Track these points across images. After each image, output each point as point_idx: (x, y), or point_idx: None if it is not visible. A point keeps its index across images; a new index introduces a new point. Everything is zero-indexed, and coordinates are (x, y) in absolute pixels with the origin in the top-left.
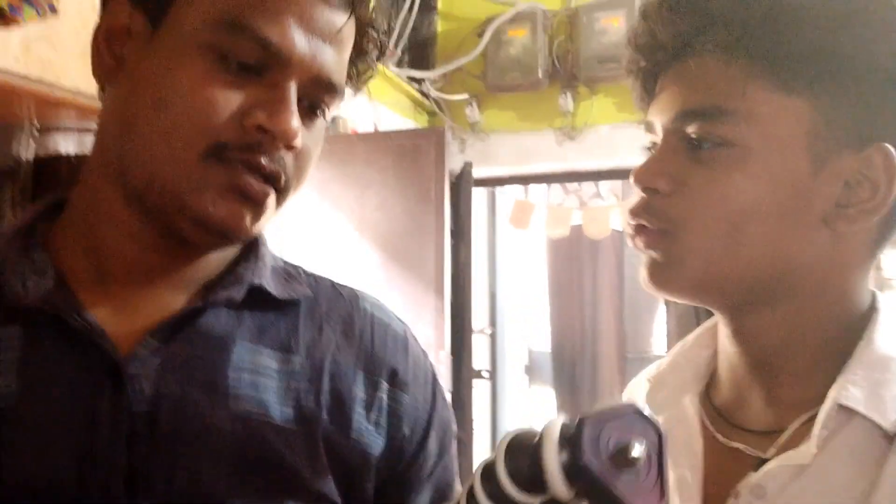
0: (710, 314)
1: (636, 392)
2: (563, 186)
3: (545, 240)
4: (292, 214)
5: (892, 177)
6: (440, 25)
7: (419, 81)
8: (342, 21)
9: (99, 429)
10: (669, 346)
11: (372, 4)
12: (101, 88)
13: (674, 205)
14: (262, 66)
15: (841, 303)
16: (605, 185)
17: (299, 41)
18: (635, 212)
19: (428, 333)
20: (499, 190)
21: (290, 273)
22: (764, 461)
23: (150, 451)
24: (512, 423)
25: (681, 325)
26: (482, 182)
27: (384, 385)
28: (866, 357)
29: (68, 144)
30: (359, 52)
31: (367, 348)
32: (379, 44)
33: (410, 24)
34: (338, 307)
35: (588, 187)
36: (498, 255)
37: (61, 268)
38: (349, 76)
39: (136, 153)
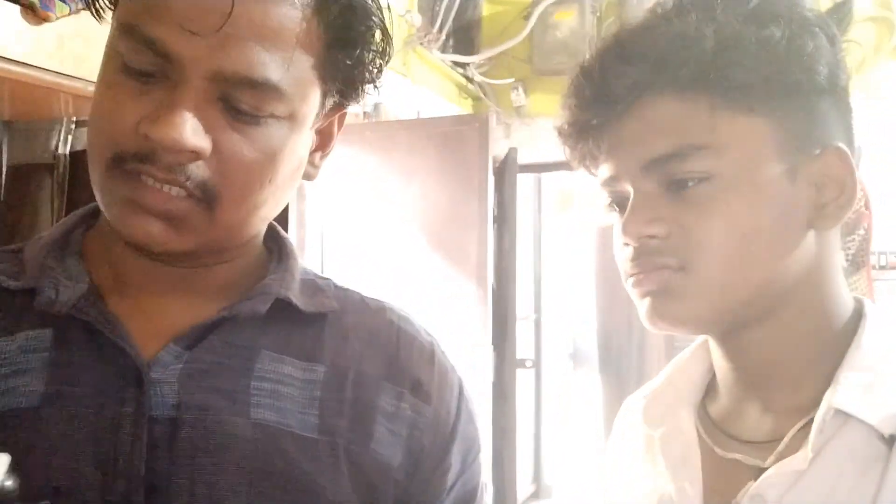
0: None
1: (632, 408)
2: None
3: (592, 226)
4: (333, 203)
5: (851, 171)
6: (485, 9)
7: (464, 66)
8: (263, 10)
9: (121, 434)
10: None
11: None
12: None
13: (678, 245)
14: (160, 72)
15: (830, 308)
16: None
17: (192, 40)
18: (641, 263)
19: (470, 319)
20: (545, 175)
21: (318, 286)
22: (763, 470)
23: (170, 459)
24: (556, 412)
25: None
26: (528, 168)
27: (407, 396)
28: (857, 361)
29: None
30: (340, 39)
31: (391, 359)
32: (366, 42)
33: (455, 9)
34: (364, 319)
35: None
36: (544, 241)
37: (93, 275)
38: (345, 68)
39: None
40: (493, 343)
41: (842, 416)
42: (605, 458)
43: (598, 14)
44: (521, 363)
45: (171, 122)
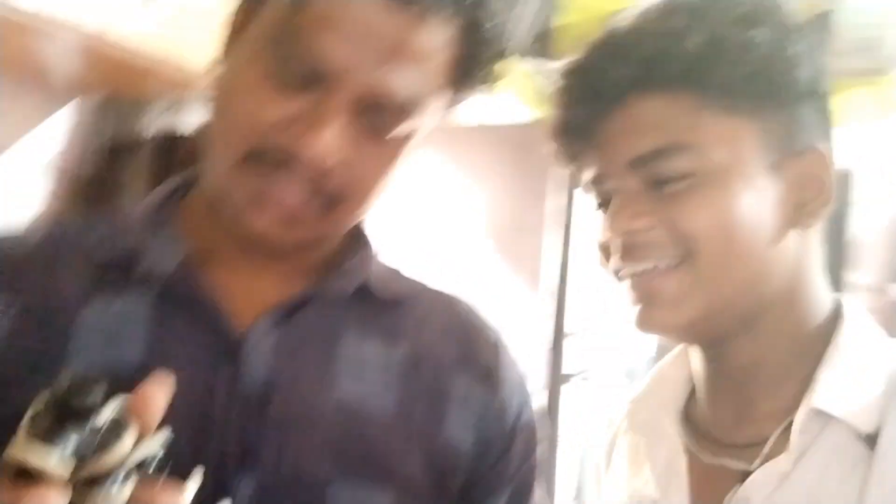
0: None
1: (617, 418)
2: None
3: None
4: (405, 202)
5: (830, 172)
6: (566, 16)
7: (543, 72)
8: (418, 33)
9: (215, 402)
10: None
11: (485, 5)
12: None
13: (664, 242)
14: (314, 80)
15: (810, 308)
16: None
17: (349, 55)
18: (630, 258)
19: (525, 330)
20: None
21: (391, 275)
22: (749, 473)
23: (259, 430)
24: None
25: None
26: None
27: (478, 385)
28: (837, 362)
29: (189, 121)
30: (473, 61)
31: (463, 349)
32: (497, 37)
33: (538, 16)
34: (436, 309)
35: None
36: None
37: (188, 246)
38: (472, 79)
39: (205, 151)
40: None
41: (823, 416)
42: (586, 466)
43: None
44: (568, 377)
45: (322, 136)
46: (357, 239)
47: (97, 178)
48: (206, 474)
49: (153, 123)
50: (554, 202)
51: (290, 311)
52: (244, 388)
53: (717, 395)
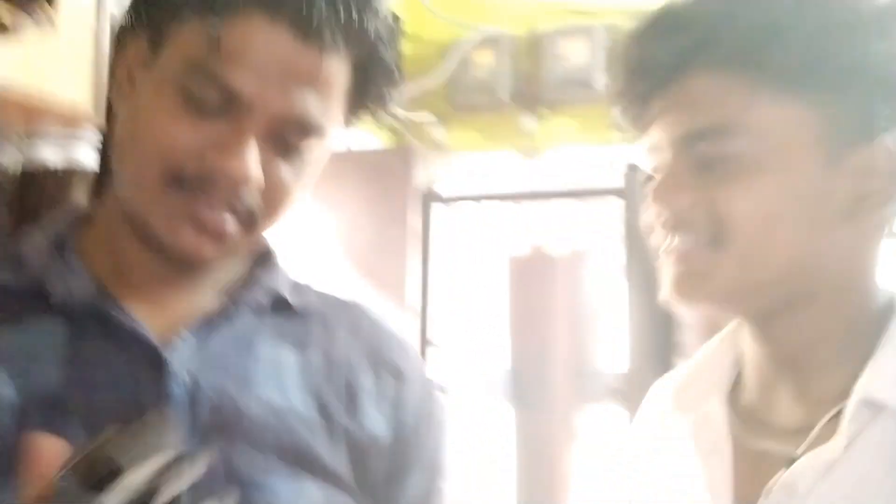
0: (669, 328)
1: (661, 394)
2: (524, 206)
3: (506, 258)
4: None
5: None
6: (406, 47)
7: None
8: (318, 64)
9: (140, 414)
10: (632, 362)
11: (373, 37)
12: (110, 108)
13: (702, 216)
14: (226, 109)
15: (863, 297)
16: (564, 205)
17: (263, 86)
18: (671, 230)
19: None
20: (461, 208)
21: (300, 286)
22: (794, 459)
23: (189, 437)
24: (469, 438)
25: (641, 341)
26: (446, 200)
27: (390, 380)
28: (890, 351)
29: (55, 154)
30: (366, 87)
31: (373, 348)
32: (386, 67)
33: None
34: (344, 314)
35: (548, 207)
36: (458, 273)
37: (96, 273)
38: (363, 107)
39: (122, 180)
40: None
41: (875, 405)
42: (627, 447)
43: (513, 56)
44: (441, 389)
45: (239, 157)
46: (264, 253)
47: None
48: None
49: (14, 158)
50: (413, 222)
51: (208, 322)
52: (171, 401)
53: (767, 377)
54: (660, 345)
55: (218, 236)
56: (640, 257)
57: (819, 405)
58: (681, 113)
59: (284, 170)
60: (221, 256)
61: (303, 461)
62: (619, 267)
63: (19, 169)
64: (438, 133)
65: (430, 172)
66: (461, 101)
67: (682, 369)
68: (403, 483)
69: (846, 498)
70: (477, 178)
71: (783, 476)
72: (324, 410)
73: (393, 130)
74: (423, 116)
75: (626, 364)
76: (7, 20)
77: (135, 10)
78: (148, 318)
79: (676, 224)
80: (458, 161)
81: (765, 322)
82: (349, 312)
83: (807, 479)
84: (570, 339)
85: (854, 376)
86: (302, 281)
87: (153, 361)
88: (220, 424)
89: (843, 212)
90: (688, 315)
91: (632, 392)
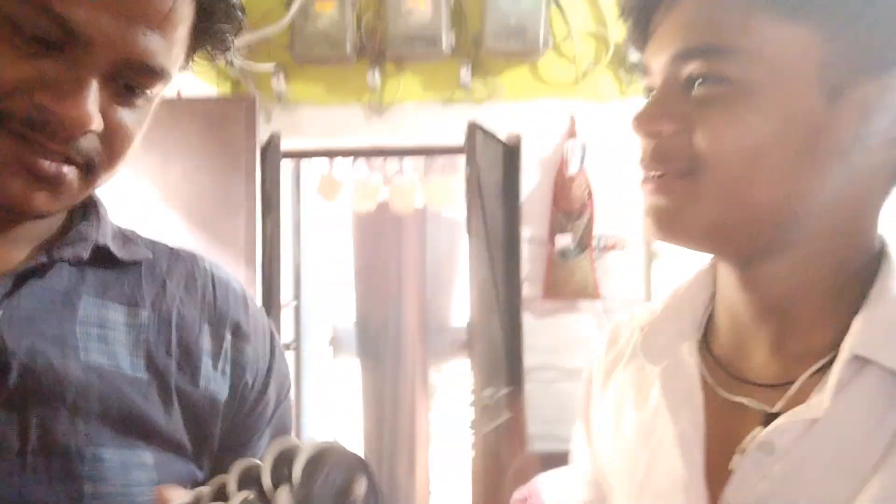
0: (510, 285)
1: (619, 343)
2: (369, 162)
3: (351, 215)
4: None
5: None
6: None
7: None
8: (166, 3)
9: None
10: (471, 316)
11: None
12: None
13: (682, 146)
14: (62, 44)
15: (854, 245)
16: (409, 162)
17: (104, 24)
18: (648, 161)
19: None
20: (305, 163)
21: (127, 236)
22: (771, 416)
23: (1, 404)
24: (317, 394)
25: (482, 296)
26: (289, 154)
27: (228, 337)
28: (881, 303)
29: None
30: (208, 28)
31: (210, 303)
32: (231, 11)
33: None
34: (178, 266)
35: (393, 164)
36: (303, 228)
37: None
38: (201, 48)
39: None
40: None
41: (859, 361)
42: (587, 392)
43: (357, 9)
44: (287, 346)
45: (77, 100)
46: (86, 201)
47: None
48: None
49: None
50: (255, 175)
51: (19, 279)
52: None
53: (744, 326)
54: (503, 299)
55: (55, 186)
56: (483, 214)
57: (799, 360)
58: (673, 31)
59: (125, 115)
60: (56, 210)
61: (134, 427)
62: (461, 222)
63: None
64: (280, 84)
65: (273, 125)
66: (304, 52)
67: (648, 311)
68: (250, 446)
69: (828, 459)
70: (320, 132)
71: (760, 434)
72: (156, 371)
73: (232, 79)
74: (264, 66)
75: (468, 318)
76: None
77: None
78: None
79: (656, 154)
80: (302, 114)
81: (747, 265)
82: (184, 264)
83: (785, 438)
84: (414, 295)
85: (838, 330)
86: (130, 230)
87: None
88: (35, 390)
89: (838, 151)
90: (530, 270)
91: (474, 345)
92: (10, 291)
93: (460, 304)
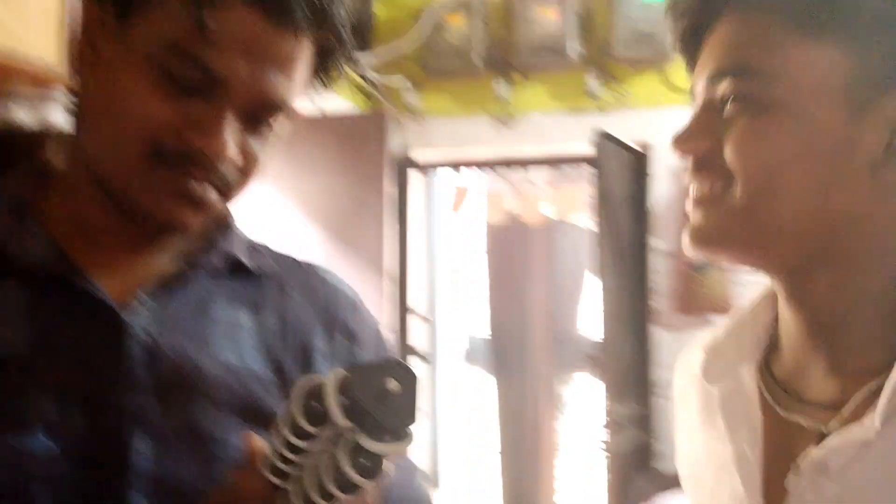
0: (642, 296)
1: (691, 363)
2: (498, 172)
3: (483, 225)
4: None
5: None
6: (379, 10)
7: (356, 64)
8: (292, 48)
9: (104, 375)
10: (605, 329)
11: (335, 21)
12: (75, 72)
13: (717, 163)
14: (205, 88)
15: None
16: (538, 173)
17: (240, 69)
18: (690, 179)
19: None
20: (436, 174)
21: (256, 248)
22: (826, 435)
23: (148, 395)
24: (451, 406)
25: (613, 307)
26: (420, 166)
27: (340, 338)
28: None
29: (27, 115)
30: (324, 65)
31: (324, 308)
32: (346, 49)
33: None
34: (298, 275)
35: (521, 174)
36: (435, 239)
37: (54, 235)
38: (318, 78)
39: (94, 146)
40: (392, 333)
41: None
42: (676, 418)
43: (486, 20)
44: (418, 354)
45: (219, 136)
46: (222, 216)
47: None
48: (103, 439)
49: None
50: (388, 188)
51: (166, 285)
52: (131, 358)
53: (801, 346)
54: (633, 312)
55: (200, 206)
56: (611, 224)
57: (855, 378)
58: (711, 55)
59: (255, 144)
60: (200, 225)
61: (256, 417)
62: (589, 232)
63: None
64: (412, 98)
65: (404, 138)
66: (434, 66)
67: (711, 335)
68: None
69: (880, 482)
70: (450, 143)
71: (814, 453)
72: (279, 371)
73: (367, 95)
74: (397, 81)
75: (600, 331)
76: None
77: None
78: (107, 280)
79: (695, 171)
80: (433, 126)
81: (795, 282)
82: (304, 274)
83: (839, 458)
84: (544, 306)
85: (891, 348)
86: (259, 243)
87: (113, 323)
88: (179, 383)
89: (870, 164)
90: (661, 283)
91: (603, 359)
92: (158, 295)
93: (588, 315)
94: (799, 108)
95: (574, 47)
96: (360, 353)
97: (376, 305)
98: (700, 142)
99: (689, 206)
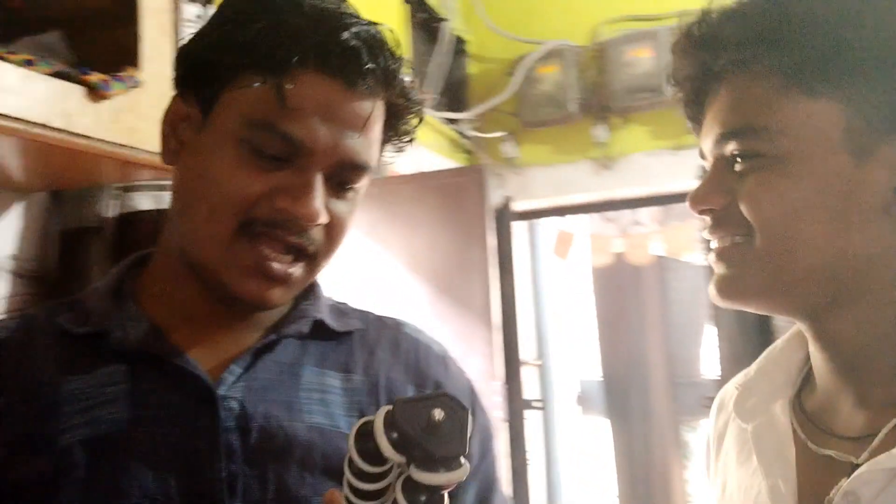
0: (762, 334)
1: (726, 400)
2: (602, 215)
3: (589, 269)
4: (345, 255)
5: None
6: (472, 67)
7: (455, 122)
8: (366, 109)
9: (199, 445)
10: (722, 369)
11: (402, 80)
12: (168, 163)
13: (734, 217)
14: (290, 156)
15: None
16: (643, 212)
17: (321, 135)
18: (708, 234)
19: (480, 365)
20: (539, 222)
21: (341, 309)
22: (857, 467)
23: (243, 462)
24: (566, 453)
25: (732, 346)
26: (522, 215)
27: None
28: None
29: (148, 201)
30: (396, 124)
31: (413, 365)
32: (416, 110)
33: (445, 69)
34: (385, 333)
35: (626, 215)
36: (541, 286)
37: (151, 315)
38: (391, 141)
39: (187, 229)
40: (503, 384)
41: None
42: (703, 455)
43: (579, 66)
44: (529, 404)
45: (309, 202)
46: (309, 285)
47: (57, 268)
48: None
49: (109, 207)
50: (490, 239)
51: (254, 357)
52: (224, 429)
53: (830, 381)
54: (751, 350)
55: (285, 283)
56: None
57: (883, 411)
58: (716, 117)
59: (340, 206)
60: (286, 302)
61: None
62: (703, 269)
63: (117, 216)
64: (511, 149)
65: (504, 188)
66: (530, 116)
67: (744, 374)
68: (454, 500)
69: None
70: (551, 191)
71: (845, 484)
72: None
73: (466, 151)
74: (494, 134)
75: (717, 371)
76: (99, 84)
77: (182, 79)
78: (201, 354)
79: (713, 226)
80: (533, 175)
81: (819, 322)
82: (391, 331)
83: (869, 488)
84: (659, 348)
85: None
86: (342, 303)
87: (206, 396)
88: (270, 448)
89: (878, 206)
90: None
91: None
92: (249, 366)
93: (708, 356)
94: (804, 159)
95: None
96: None
97: (486, 357)
98: (716, 199)
99: (712, 260)
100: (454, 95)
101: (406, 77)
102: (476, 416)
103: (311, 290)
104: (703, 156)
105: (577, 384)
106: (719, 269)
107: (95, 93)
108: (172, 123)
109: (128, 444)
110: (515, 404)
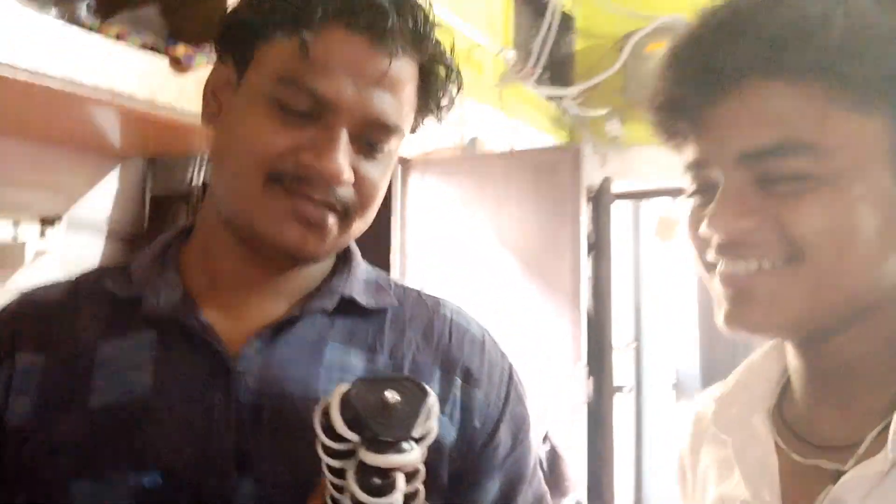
0: None
1: (702, 413)
2: None
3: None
4: (436, 231)
5: None
6: (579, 43)
7: (558, 98)
8: (394, 68)
9: (213, 417)
10: None
11: (436, 44)
12: (207, 127)
13: (770, 239)
14: (316, 113)
15: None
16: None
17: (347, 91)
18: (730, 257)
19: (564, 345)
20: (643, 203)
21: (380, 285)
22: (842, 474)
23: (255, 437)
24: (658, 439)
25: None
26: (624, 196)
27: (458, 382)
28: None
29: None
30: (430, 89)
31: (444, 349)
32: (453, 77)
33: (549, 44)
34: (420, 313)
35: None
36: (643, 269)
37: (187, 283)
38: (429, 108)
39: (222, 187)
40: (589, 369)
41: None
42: (676, 468)
43: None
44: (618, 389)
45: (333, 158)
46: (343, 256)
47: (147, 233)
48: (207, 478)
49: (196, 175)
50: (583, 221)
51: (276, 331)
52: (238, 402)
53: (813, 392)
54: None
55: (320, 230)
56: None
57: (867, 419)
58: (742, 127)
59: (370, 167)
60: (323, 253)
61: None
62: None
63: (201, 184)
64: (614, 128)
65: (606, 168)
66: (637, 94)
67: (721, 387)
68: (477, 489)
69: None
70: (656, 172)
71: (832, 491)
72: None
73: (568, 127)
74: (598, 112)
75: None
76: (183, 57)
77: (221, 41)
78: (227, 326)
79: (737, 248)
80: (638, 155)
81: (811, 343)
82: (426, 311)
83: (854, 494)
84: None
85: None
86: (385, 278)
87: (222, 369)
88: (281, 425)
89: None
90: None
91: None
92: (270, 341)
93: None
94: (853, 178)
95: None
96: (479, 395)
97: (573, 339)
98: (745, 221)
99: (720, 285)
100: (558, 72)
101: (440, 42)
102: (508, 405)
103: (346, 265)
104: (701, 169)
105: (673, 370)
106: (745, 295)
107: (179, 65)
108: (213, 87)
109: (148, 413)
110: (605, 388)
